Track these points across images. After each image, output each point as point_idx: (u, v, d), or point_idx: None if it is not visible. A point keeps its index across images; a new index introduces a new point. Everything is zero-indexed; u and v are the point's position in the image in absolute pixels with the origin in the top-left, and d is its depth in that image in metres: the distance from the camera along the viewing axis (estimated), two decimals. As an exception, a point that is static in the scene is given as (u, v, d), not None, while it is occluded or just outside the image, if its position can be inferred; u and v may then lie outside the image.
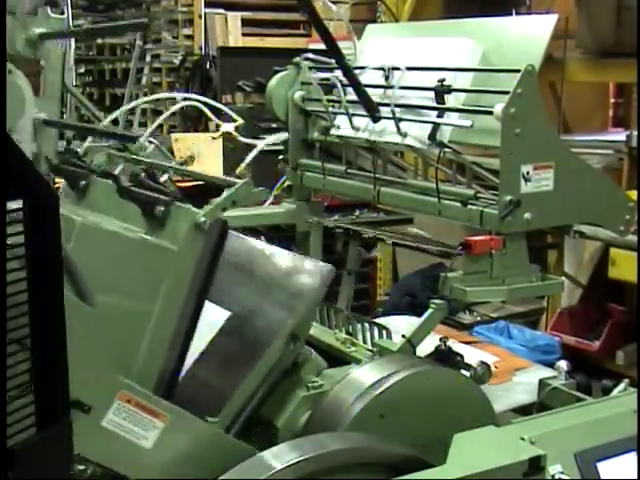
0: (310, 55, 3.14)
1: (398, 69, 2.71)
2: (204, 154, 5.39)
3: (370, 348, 2.61)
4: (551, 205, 2.42)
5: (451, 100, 2.55)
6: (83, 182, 2.51)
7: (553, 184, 2.40)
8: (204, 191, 2.62)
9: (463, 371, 2.44)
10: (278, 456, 1.90)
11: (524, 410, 2.72)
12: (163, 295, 2.11)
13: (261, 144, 3.07)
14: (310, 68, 3.09)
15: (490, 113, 2.34)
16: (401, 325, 2.67)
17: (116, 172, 2.59)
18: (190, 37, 7.92)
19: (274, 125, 3.57)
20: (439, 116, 2.56)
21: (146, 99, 3.42)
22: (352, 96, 2.75)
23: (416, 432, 2.17)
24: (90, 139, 2.93)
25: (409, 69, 2.70)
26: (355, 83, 2.64)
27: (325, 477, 1.88)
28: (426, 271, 5.56)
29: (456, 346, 2.63)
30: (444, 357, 2.47)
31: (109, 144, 2.95)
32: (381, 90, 2.73)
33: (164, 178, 2.74)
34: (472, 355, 2.70)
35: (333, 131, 2.96)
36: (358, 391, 2.20)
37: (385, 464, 1.93)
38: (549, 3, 5.35)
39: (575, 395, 2.60)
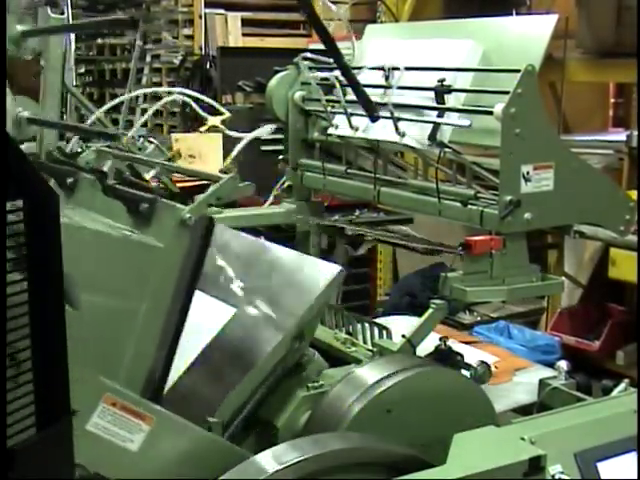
0: (309, 55, 3.14)
1: (397, 69, 2.71)
2: (205, 153, 5.40)
3: (370, 348, 2.61)
4: (551, 205, 2.42)
5: (451, 100, 2.55)
6: (71, 180, 2.50)
7: (553, 184, 2.40)
8: (205, 190, 2.61)
9: (463, 371, 2.44)
10: (278, 456, 1.90)
11: (524, 410, 2.72)
12: (149, 293, 2.09)
13: (248, 137, 3.06)
14: (310, 68, 3.09)
15: (490, 113, 2.34)
16: (401, 325, 2.66)
17: (105, 169, 2.58)
18: (190, 37, 7.91)
19: (274, 125, 3.57)
20: (439, 116, 2.56)
21: (130, 95, 3.39)
22: (352, 96, 2.75)
23: (416, 432, 2.17)
24: (76, 138, 2.91)
25: (409, 69, 2.70)
26: (354, 83, 2.64)
27: (325, 477, 1.87)
28: (426, 271, 5.56)
29: (456, 346, 2.63)
30: (444, 357, 2.47)
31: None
32: (381, 90, 2.73)
33: (151, 174, 2.73)
34: (472, 355, 2.70)
35: (331, 130, 2.97)
36: (358, 391, 2.20)
37: (385, 464, 1.93)
38: (549, 3, 5.35)
39: (575, 395, 2.60)
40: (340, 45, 2.62)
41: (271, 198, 3.32)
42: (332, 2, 3.29)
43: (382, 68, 2.74)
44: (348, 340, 2.68)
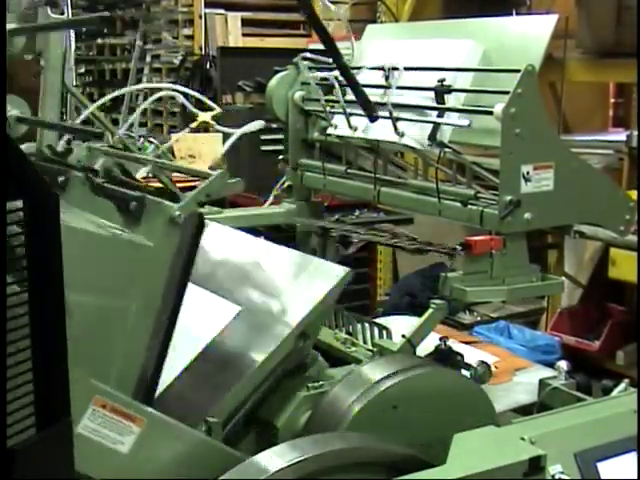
0: (308, 55, 3.14)
1: (397, 69, 2.71)
2: (205, 153, 5.40)
3: (370, 348, 2.61)
4: (551, 205, 2.42)
5: (451, 100, 2.55)
6: (62, 178, 2.49)
7: (553, 184, 2.40)
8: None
9: (463, 371, 2.44)
10: (278, 456, 1.90)
11: (524, 410, 2.72)
12: (140, 293, 2.07)
13: (237, 132, 3.05)
14: (310, 68, 3.09)
15: (490, 113, 2.35)
16: (401, 325, 2.66)
17: (96, 166, 2.56)
18: (190, 37, 7.91)
19: (274, 125, 3.57)
20: (439, 116, 2.56)
21: (119, 92, 3.37)
22: (352, 96, 2.75)
23: (417, 432, 2.17)
24: (66, 137, 2.90)
25: (408, 69, 2.70)
26: (353, 83, 2.64)
27: (325, 477, 1.87)
28: (426, 271, 5.56)
29: (456, 346, 2.63)
30: (444, 357, 2.47)
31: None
32: (381, 90, 2.73)
33: (142, 172, 2.72)
34: (472, 355, 2.70)
35: (330, 130, 2.97)
36: (358, 391, 2.20)
37: (385, 464, 1.93)
38: (549, 3, 5.35)
39: (575, 395, 2.60)
40: (340, 45, 2.62)
41: (271, 198, 3.32)
42: (332, 2, 3.29)
43: (382, 68, 2.74)
44: (348, 340, 2.68)
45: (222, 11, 7.94)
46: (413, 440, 2.09)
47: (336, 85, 2.86)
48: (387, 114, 2.63)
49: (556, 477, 1.78)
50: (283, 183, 3.26)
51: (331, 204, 3.44)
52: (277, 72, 3.17)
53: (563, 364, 2.72)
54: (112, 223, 2.22)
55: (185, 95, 3.08)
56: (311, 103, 3.07)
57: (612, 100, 6.76)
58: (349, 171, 2.97)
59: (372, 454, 1.95)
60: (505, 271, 2.43)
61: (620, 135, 5.48)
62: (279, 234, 3.36)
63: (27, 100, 3.03)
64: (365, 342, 2.67)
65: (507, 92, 2.32)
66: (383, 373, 2.23)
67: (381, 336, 2.61)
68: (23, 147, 2.76)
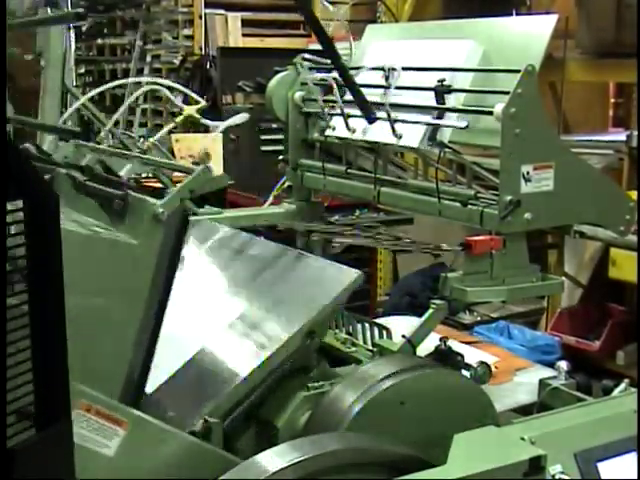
0: (306, 56, 3.14)
1: (396, 69, 2.71)
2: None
3: (370, 348, 2.61)
4: (551, 205, 2.42)
5: (451, 100, 2.55)
6: (48, 176, 2.48)
7: (553, 184, 2.40)
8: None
9: (463, 371, 2.44)
10: (278, 456, 1.90)
11: (524, 410, 2.72)
12: (125, 291, 2.06)
13: (222, 125, 3.04)
14: (310, 68, 3.09)
15: (490, 113, 2.34)
16: (401, 325, 2.67)
17: (83, 163, 2.55)
18: (190, 37, 7.90)
19: (274, 125, 3.57)
20: (439, 116, 2.56)
21: (107, 86, 3.35)
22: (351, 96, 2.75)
23: (417, 432, 2.17)
24: (51, 139, 2.89)
25: (408, 69, 2.70)
26: (351, 84, 2.64)
27: (325, 477, 1.87)
28: (426, 271, 5.57)
29: (456, 346, 2.63)
30: (444, 357, 2.47)
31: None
32: (381, 90, 2.73)
33: (126, 169, 2.70)
34: (472, 355, 2.70)
35: (328, 132, 2.96)
36: (358, 391, 2.20)
37: (385, 464, 1.93)
38: (549, 3, 5.36)
39: (575, 395, 2.60)
40: (340, 45, 2.62)
41: (271, 198, 3.32)
42: (332, 2, 3.29)
43: (382, 68, 2.74)
44: (348, 340, 2.68)
45: (222, 11, 7.94)
46: (413, 440, 2.09)
47: (334, 86, 2.86)
48: (386, 115, 2.63)
49: (556, 477, 1.78)
50: (283, 183, 3.26)
51: (331, 204, 3.44)
52: (277, 72, 3.17)
53: (563, 364, 2.72)
54: (98, 221, 2.20)
55: (169, 88, 3.06)
56: (311, 104, 3.07)
57: (612, 100, 6.76)
58: (349, 171, 2.97)
59: (372, 454, 1.95)
60: (505, 271, 2.43)
61: (620, 135, 5.48)
62: (279, 234, 3.36)
63: (27, 100, 3.04)
64: (365, 342, 2.67)
65: (507, 92, 2.32)
66: (383, 373, 2.23)
67: (381, 336, 2.61)
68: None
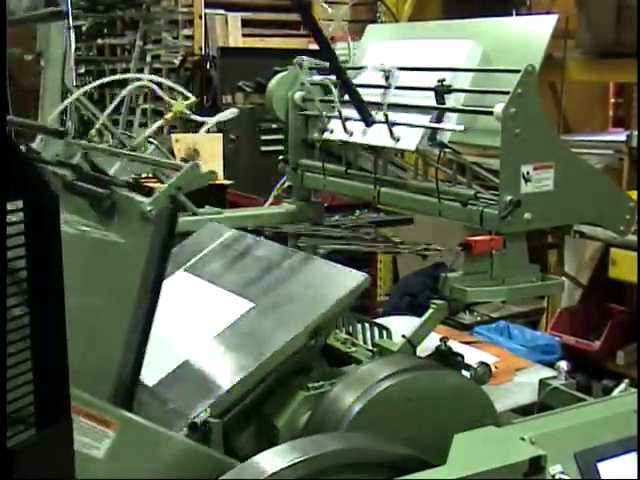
0: (304, 57, 3.14)
1: (396, 69, 2.71)
2: (205, 153, 5.40)
3: (370, 348, 2.61)
4: (551, 205, 2.42)
5: (451, 100, 2.55)
6: None
7: (553, 184, 2.40)
8: (207, 190, 2.60)
9: (463, 371, 2.44)
10: (278, 456, 1.90)
11: (524, 410, 2.72)
12: (114, 291, 2.05)
13: (211, 121, 3.04)
14: (310, 68, 3.09)
15: (490, 113, 2.35)
16: (401, 325, 2.67)
17: (74, 161, 2.54)
18: (190, 37, 7.91)
19: (274, 125, 3.57)
20: (439, 116, 2.56)
21: (100, 81, 3.33)
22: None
23: (417, 432, 2.17)
24: (40, 137, 2.88)
25: (408, 69, 2.70)
26: (348, 86, 2.64)
27: (325, 477, 1.87)
28: (426, 271, 5.56)
29: (456, 346, 2.63)
30: (444, 357, 2.47)
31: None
32: (381, 90, 2.73)
33: (115, 167, 2.69)
34: (472, 355, 2.70)
35: (326, 135, 2.96)
36: (358, 391, 2.19)
37: (385, 464, 1.93)
38: (549, 3, 5.36)
39: (575, 395, 2.60)
40: (340, 45, 2.62)
41: (271, 198, 3.32)
42: (332, 3, 3.29)
43: (382, 69, 2.74)
44: (348, 340, 2.68)
45: (222, 11, 7.94)
46: (413, 440, 2.09)
47: (332, 88, 2.85)
48: (383, 118, 2.63)
49: (556, 477, 1.78)
50: (283, 184, 3.26)
51: (331, 204, 3.44)
52: (277, 72, 3.17)
53: (563, 364, 2.72)
54: (87, 220, 2.20)
55: (159, 85, 3.05)
56: (310, 104, 3.07)
57: (612, 100, 6.76)
58: (349, 171, 2.97)
59: (372, 454, 1.95)
60: (505, 271, 2.43)
61: (620, 135, 5.48)
62: (279, 234, 3.37)
63: (27, 100, 3.03)
64: (365, 342, 2.68)
65: (507, 92, 2.32)
66: (383, 373, 2.23)
67: (381, 336, 2.61)
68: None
